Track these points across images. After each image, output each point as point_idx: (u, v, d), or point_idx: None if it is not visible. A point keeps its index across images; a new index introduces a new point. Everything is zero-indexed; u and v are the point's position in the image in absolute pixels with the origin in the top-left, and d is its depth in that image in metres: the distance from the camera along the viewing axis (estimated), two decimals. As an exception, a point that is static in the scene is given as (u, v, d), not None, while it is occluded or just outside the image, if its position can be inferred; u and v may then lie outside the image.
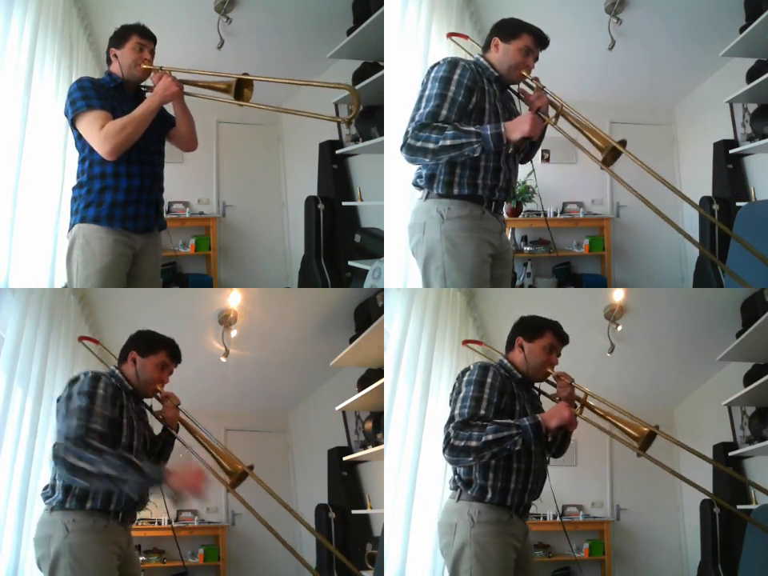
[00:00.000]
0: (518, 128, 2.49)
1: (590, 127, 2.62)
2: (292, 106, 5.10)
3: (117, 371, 2.52)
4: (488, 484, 2.44)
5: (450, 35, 3.34)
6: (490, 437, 2.34)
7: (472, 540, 2.41)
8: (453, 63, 2.59)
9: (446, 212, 2.63)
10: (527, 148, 2.79)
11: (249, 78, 2.68)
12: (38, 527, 2.40)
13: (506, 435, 2.35)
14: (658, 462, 2.50)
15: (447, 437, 2.39)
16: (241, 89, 2.68)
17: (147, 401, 2.62)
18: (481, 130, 2.49)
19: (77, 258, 2.77)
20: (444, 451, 2.40)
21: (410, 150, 2.53)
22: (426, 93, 2.56)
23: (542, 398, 2.65)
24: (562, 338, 2.58)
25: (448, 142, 2.47)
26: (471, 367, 2.54)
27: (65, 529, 2.32)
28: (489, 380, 2.46)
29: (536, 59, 2.69)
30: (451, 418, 2.44)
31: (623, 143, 2.56)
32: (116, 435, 2.35)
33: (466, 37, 3.29)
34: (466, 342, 3.49)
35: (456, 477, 2.52)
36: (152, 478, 2.19)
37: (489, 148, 2.50)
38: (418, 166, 2.67)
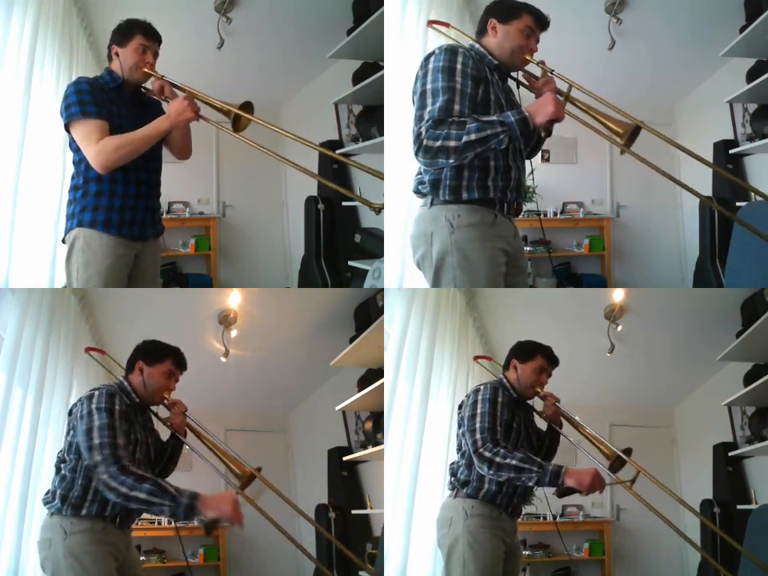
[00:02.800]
0: (541, 110, 2.27)
1: (605, 113, 2.42)
2: (291, 107, 5.16)
3: (125, 382, 2.54)
4: (484, 479, 2.57)
5: (430, 23, 3.23)
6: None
7: (465, 530, 2.58)
8: (452, 51, 2.35)
9: (456, 220, 2.38)
10: (537, 139, 2.56)
11: (246, 116, 2.57)
12: (40, 531, 2.46)
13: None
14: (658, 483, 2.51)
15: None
16: (239, 115, 2.58)
17: (153, 407, 2.65)
18: (503, 118, 2.25)
19: (77, 260, 2.72)
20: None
21: (428, 152, 2.24)
22: (430, 86, 2.29)
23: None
24: (552, 361, 2.71)
25: (473, 137, 2.21)
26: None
27: (63, 532, 2.37)
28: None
29: (537, 42, 2.48)
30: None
31: (641, 123, 2.40)
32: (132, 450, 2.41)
33: (448, 24, 3.21)
34: (476, 358, 3.69)
35: (453, 479, 2.67)
36: (186, 504, 2.19)
37: (516, 136, 2.26)
38: (418, 173, 2.46)
